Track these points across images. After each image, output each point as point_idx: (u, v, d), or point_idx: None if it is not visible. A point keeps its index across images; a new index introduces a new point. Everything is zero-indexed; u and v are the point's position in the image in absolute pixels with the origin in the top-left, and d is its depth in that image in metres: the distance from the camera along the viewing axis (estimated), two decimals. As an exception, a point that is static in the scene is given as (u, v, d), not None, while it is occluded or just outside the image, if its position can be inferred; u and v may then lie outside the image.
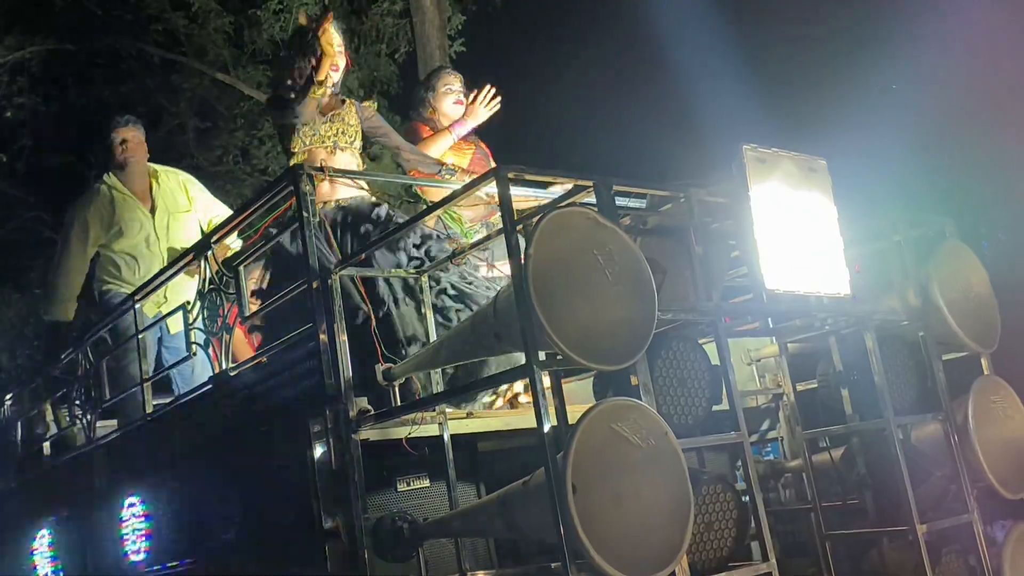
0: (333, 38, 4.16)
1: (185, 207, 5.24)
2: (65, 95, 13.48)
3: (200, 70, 11.47)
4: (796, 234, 3.25)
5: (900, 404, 3.49)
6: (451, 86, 4.63)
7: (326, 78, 4.05)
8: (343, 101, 4.25)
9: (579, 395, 3.35)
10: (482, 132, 4.88)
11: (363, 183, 3.98)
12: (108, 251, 5.12)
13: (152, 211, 5.15)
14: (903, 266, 3.62)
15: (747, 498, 3.04)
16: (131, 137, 5.22)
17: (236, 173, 12.31)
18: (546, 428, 2.57)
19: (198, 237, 4.86)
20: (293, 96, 4.00)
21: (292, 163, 3.93)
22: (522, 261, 2.55)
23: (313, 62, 4.01)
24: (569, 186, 3.02)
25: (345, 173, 3.72)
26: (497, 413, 3.78)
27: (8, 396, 5.66)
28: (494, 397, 3.93)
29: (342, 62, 4.21)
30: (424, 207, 3.38)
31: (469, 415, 3.47)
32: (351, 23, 11.34)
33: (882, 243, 3.67)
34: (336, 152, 4.05)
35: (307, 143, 4.05)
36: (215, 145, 12.28)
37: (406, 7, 10.76)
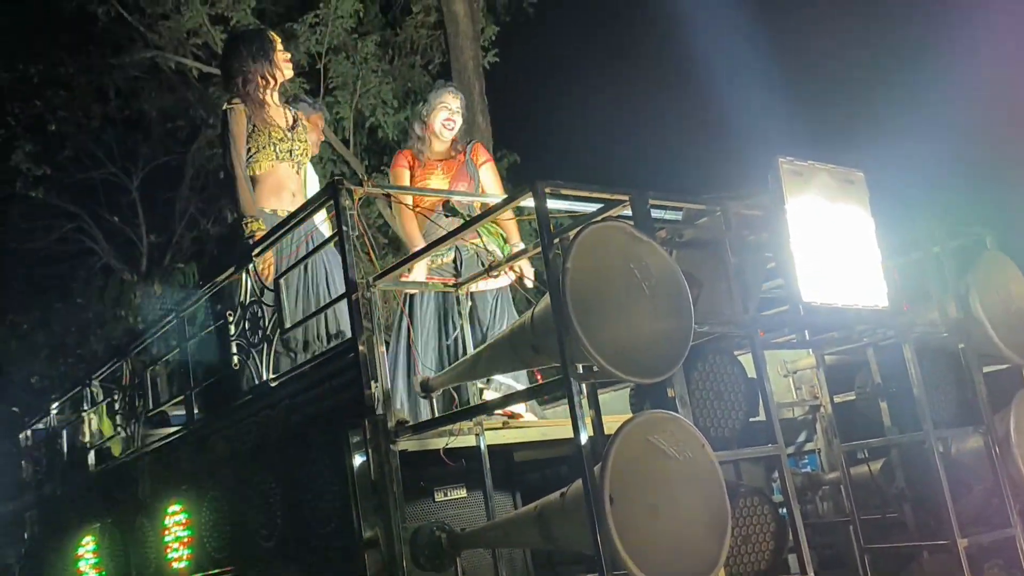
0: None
1: None
2: (106, 108, 13.78)
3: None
4: (833, 246, 3.25)
5: (940, 416, 3.46)
6: (446, 103, 4.50)
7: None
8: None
9: (612, 407, 3.37)
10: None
11: None
12: None
13: None
14: (942, 277, 3.59)
15: (784, 510, 3.04)
16: None
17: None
18: (583, 439, 2.59)
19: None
20: None
21: None
22: (560, 275, 2.58)
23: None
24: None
25: (386, 188, 3.77)
26: (534, 423, 3.81)
27: (54, 405, 5.79)
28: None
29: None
30: (462, 221, 3.40)
31: (505, 425, 3.50)
32: (386, 35, 11.48)
33: (920, 254, 3.65)
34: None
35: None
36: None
37: (440, 19, 10.87)
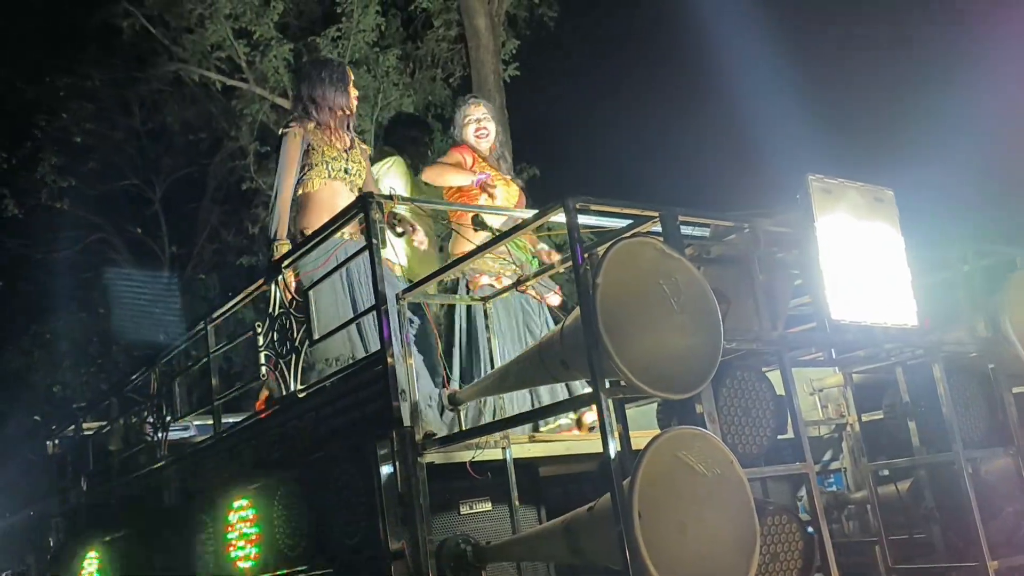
0: None
1: None
2: (131, 121, 13.95)
3: (261, 96, 11.79)
4: (862, 264, 3.24)
5: (969, 437, 3.44)
6: (471, 115, 4.59)
7: None
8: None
9: (639, 422, 3.36)
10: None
11: None
12: None
13: None
14: (972, 297, 3.58)
15: (811, 529, 3.02)
16: None
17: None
18: (612, 454, 2.59)
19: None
20: None
21: None
22: (590, 290, 2.59)
23: None
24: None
25: (412, 200, 3.80)
26: (559, 437, 3.81)
27: (82, 413, 5.85)
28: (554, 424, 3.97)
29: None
30: (492, 236, 3.43)
31: (531, 439, 3.51)
32: (407, 48, 11.58)
33: (950, 273, 3.64)
34: None
35: None
36: (274, 169, 12.57)
37: (461, 32, 10.95)
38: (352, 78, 4.46)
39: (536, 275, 3.67)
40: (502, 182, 4.52)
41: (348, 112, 4.36)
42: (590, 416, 4.09)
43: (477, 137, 4.55)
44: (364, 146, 4.53)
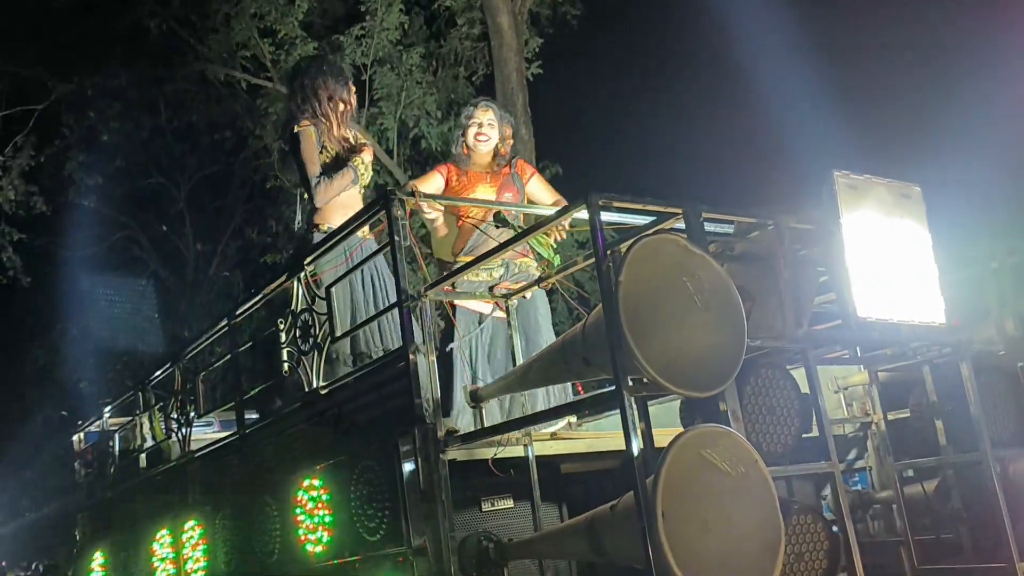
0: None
1: None
2: (156, 120, 14.09)
3: (284, 95, 11.86)
4: (888, 262, 3.20)
5: (998, 436, 3.39)
6: (475, 118, 4.55)
7: None
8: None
9: (660, 420, 3.35)
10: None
11: None
12: None
13: None
14: (1000, 294, 3.52)
15: (836, 528, 2.99)
16: None
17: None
18: (635, 452, 2.58)
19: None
20: None
21: None
22: (613, 287, 2.58)
23: None
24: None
25: (436, 198, 3.81)
26: (580, 435, 3.81)
27: (107, 409, 5.92)
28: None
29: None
30: (514, 232, 3.43)
31: (553, 436, 3.50)
32: (430, 47, 11.61)
33: (978, 270, 3.58)
34: None
35: None
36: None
37: (484, 31, 10.96)
38: (349, 77, 4.49)
39: (559, 273, 3.66)
40: (488, 187, 4.46)
41: (345, 105, 4.37)
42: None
43: (477, 140, 4.53)
44: (366, 143, 4.54)
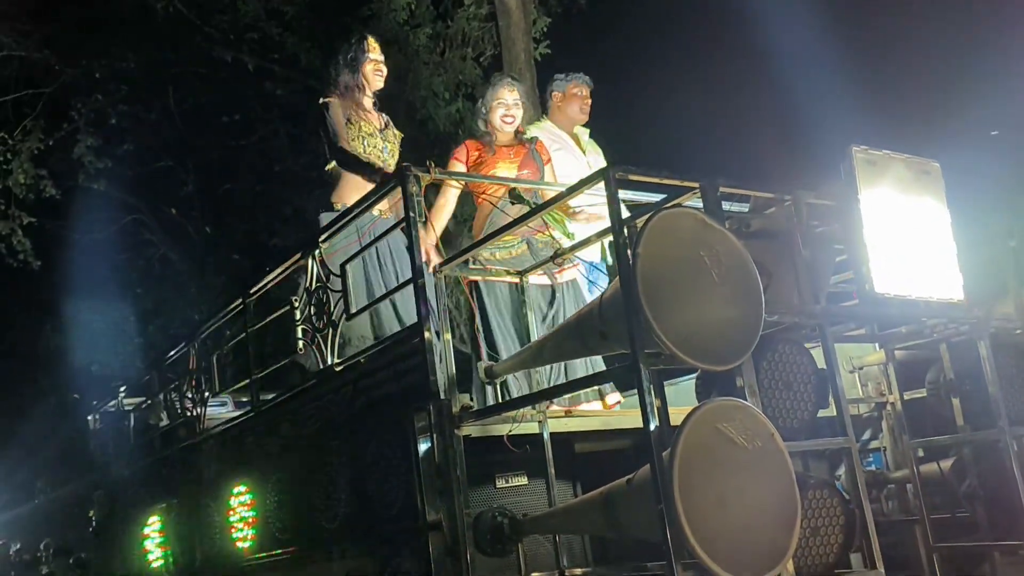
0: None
1: None
2: (164, 102, 14.06)
3: (292, 77, 11.83)
4: (906, 238, 3.18)
5: (1016, 414, 3.37)
6: (502, 99, 4.49)
7: None
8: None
9: (675, 401, 3.34)
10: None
11: None
12: None
13: None
14: (1019, 272, 3.50)
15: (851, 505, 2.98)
16: None
17: (326, 178, 12.63)
18: (652, 426, 2.58)
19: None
20: None
21: None
22: (630, 261, 2.57)
23: None
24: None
25: (452, 175, 3.79)
26: (596, 412, 3.80)
27: (122, 388, 5.95)
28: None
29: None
30: (528, 209, 3.41)
31: (568, 414, 3.50)
32: (437, 27, 11.54)
33: (997, 248, 3.55)
34: None
35: None
36: (306, 150, 12.65)
37: (492, 11, 10.87)
38: (371, 52, 4.46)
39: (571, 249, 3.65)
40: (509, 163, 4.44)
41: (360, 90, 4.38)
42: (612, 397, 4.08)
43: (504, 123, 4.48)
44: (398, 131, 4.55)
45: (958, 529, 3.61)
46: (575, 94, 5.08)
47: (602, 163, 4.98)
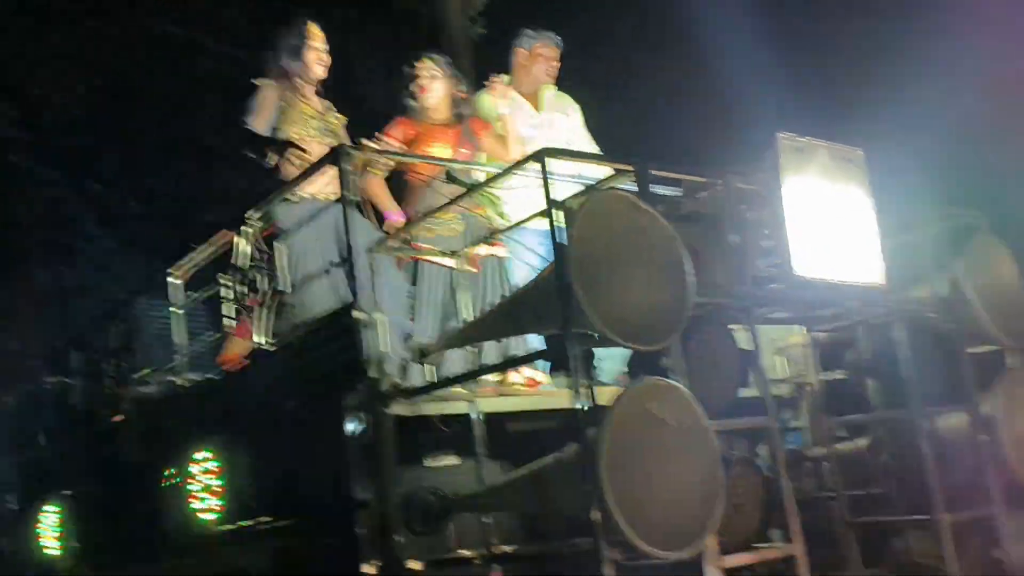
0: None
1: None
2: (92, 77, 13.56)
3: (225, 52, 11.52)
4: (829, 223, 3.26)
5: (928, 395, 3.51)
6: (415, 71, 4.44)
7: None
8: None
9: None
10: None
11: None
12: None
13: None
14: (935, 258, 3.63)
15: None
16: None
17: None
18: (582, 406, 2.61)
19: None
20: None
21: None
22: (563, 242, 2.60)
23: None
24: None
25: (386, 153, 3.76)
26: (526, 391, 3.83)
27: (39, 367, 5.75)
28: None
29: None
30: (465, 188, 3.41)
31: (500, 395, 3.52)
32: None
33: (915, 234, 3.68)
34: None
35: None
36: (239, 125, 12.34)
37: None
38: (312, 41, 4.34)
39: (507, 230, 3.66)
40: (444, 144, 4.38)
41: (301, 79, 4.29)
42: (514, 376, 4.06)
43: (423, 92, 4.43)
44: (341, 116, 4.45)
45: (873, 505, 3.74)
46: (541, 54, 4.88)
47: (575, 120, 4.91)
